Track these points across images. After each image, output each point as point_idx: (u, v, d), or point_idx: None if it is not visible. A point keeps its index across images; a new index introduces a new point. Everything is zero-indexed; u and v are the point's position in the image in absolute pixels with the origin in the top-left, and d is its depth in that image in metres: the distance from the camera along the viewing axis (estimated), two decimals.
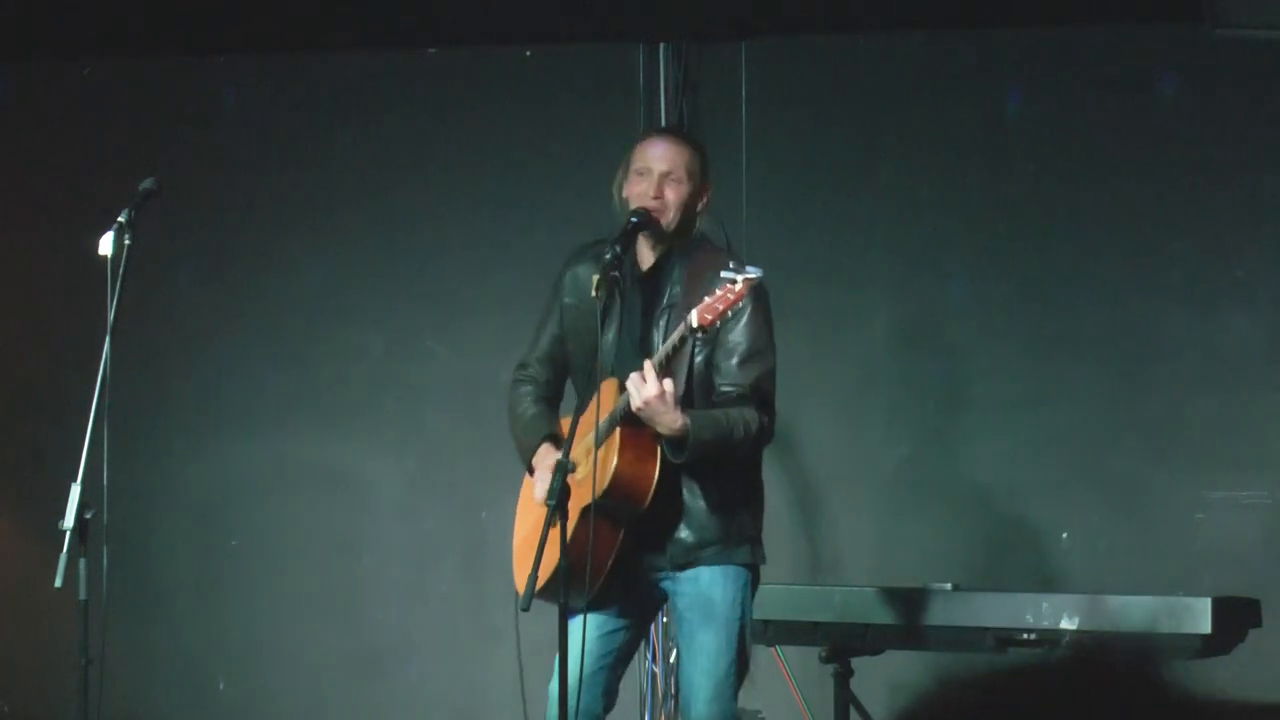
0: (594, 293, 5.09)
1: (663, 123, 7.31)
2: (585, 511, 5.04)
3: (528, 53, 7.64)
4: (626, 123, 7.32)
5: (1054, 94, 7.18)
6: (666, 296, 5.21)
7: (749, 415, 5.12)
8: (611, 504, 5.06)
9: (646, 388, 4.96)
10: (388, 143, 7.74)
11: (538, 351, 5.47)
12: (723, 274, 4.88)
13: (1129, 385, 7.08)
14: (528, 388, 5.47)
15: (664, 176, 5.23)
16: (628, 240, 5.17)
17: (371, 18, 7.61)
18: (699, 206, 5.29)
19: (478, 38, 7.64)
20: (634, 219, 5.18)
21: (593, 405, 5.10)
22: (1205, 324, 7.02)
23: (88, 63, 7.93)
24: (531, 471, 5.37)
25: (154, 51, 7.84)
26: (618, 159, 5.39)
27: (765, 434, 5.18)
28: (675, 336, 4.97)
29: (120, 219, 5.28)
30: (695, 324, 4.88)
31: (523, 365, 5.50)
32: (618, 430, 5.07)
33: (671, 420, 4.99)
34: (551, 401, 5.47)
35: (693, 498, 5.17)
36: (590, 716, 5.25)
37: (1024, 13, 7.15)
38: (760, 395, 5.17)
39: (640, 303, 5.27)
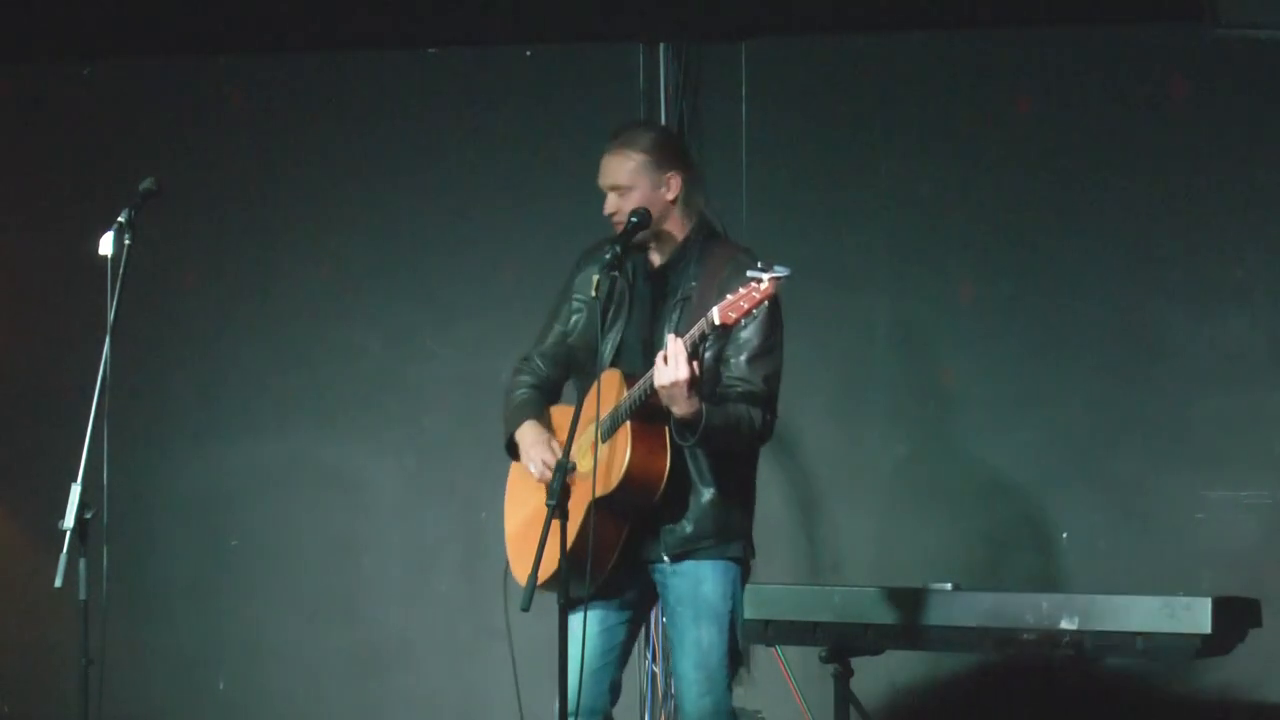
0: (593, 293, 5.11)
1: (662, 123, 7.31)
2: (591, 506, 5.04)
3: (528, 53, 7.64)
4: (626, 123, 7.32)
5: (1054, 94, 7.18)
6: (680, 291, 5.22)
7: (754, 412, 5.15)
8: (623, 498, 5.07)
9: (677, 370, 4.95)
10: (388, 143, 7.74)
11: (542, 348, 5.50)
12: (749, 272, 4.87)
13: (1129, 385, 7.08)
14: (526, 378, 5.49)
15: (612, 190, 5.27)
16: (627, 238, 5.18)
17: (371, 18, 7.61)
18: (668, 196, 5.29)
19: (478, 38, 7.64)
20: (634, 218, 5.20)
21: (591, 397, 5.11)
22: (1205, 324, 7.02)
23: (88, 63, 7.93)
24: (511, 452, 5.38)
25: (154, 51, 7.84)
26: None
27: (765, 431, 5.20)
28: (696, 330, 4.96)
29: (120, 219, 5.28)
30: (717, 321, 4.88)
31: (525, 359, 5.53)
32: (628, 424, 5.07)
33: (689, 404, 4.99)
34: (547, 395, 5.48)
35: (693, 491, 5.19)
36: (597, 712, 5.28)
37: (1024, 13, 7.14)
38: (766, 394, 5.19)
39: (651, 298, 5.28)
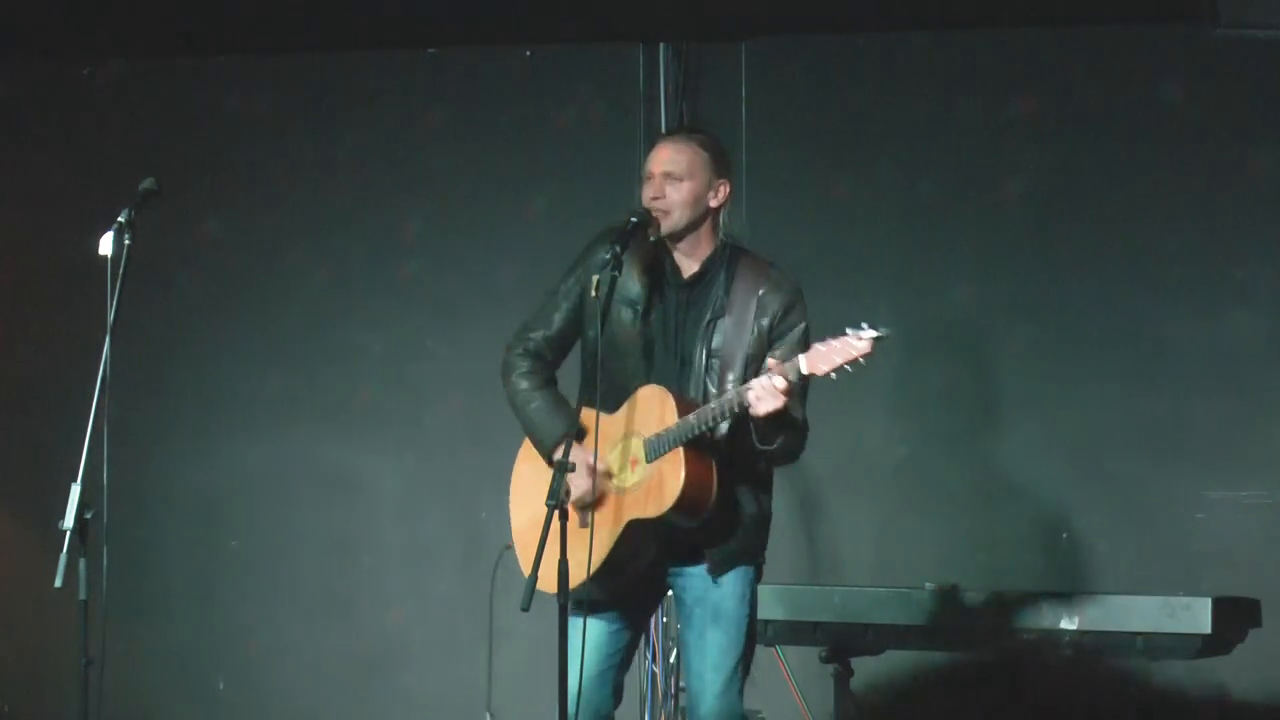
0: (593, 293, 5.09)
1: (662, 123, 7.32)
2: (633, 524, 5.05)
3: (528, 53, 7.64)
4: (626, 123, 7.33)
5: (1054, 94, 7.18)
6: (711, 308, 5.19)
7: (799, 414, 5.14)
8: (670, 520, 5.06)
9: (776, 402, 4.90)
10: (388, 143, 7.75)
11: (549, 330, 5.34)
12: (849, 327, 4.81)
13: (1129, 385, 7.08)
14: (529, 364, 5.33)
15: (664, 178, 5.21)
16: (627, 240, 5.15)
17: (371, 18, 7.61)
18: (713, 202, 5.27)
19: (478, 38, 7.64)
20: (633, 219, 5.17)
21: (625, 409, 5.10)
22: (1205, 324, 7.03)
23: (88, 64, 7.93)
24: (549, 461, 5.24)
25: (154, 52, 7.85)
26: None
27: (806, 430, 5.19)
28: (780, 380, 4.88)
29: (120, 219, 5.28)
30: (805, 371, 4.84)
31: (526, 336, 5.36)
32: (681, 450, 5.03)
33: (776, 431, 5.00)
34: (553, 383, 5.38)
35: (739, 509, 5.18)
36: (601, 714, 5.27)
37: (1024, 13, 7.15)
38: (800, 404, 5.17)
39: (682, 311, 5.24)
